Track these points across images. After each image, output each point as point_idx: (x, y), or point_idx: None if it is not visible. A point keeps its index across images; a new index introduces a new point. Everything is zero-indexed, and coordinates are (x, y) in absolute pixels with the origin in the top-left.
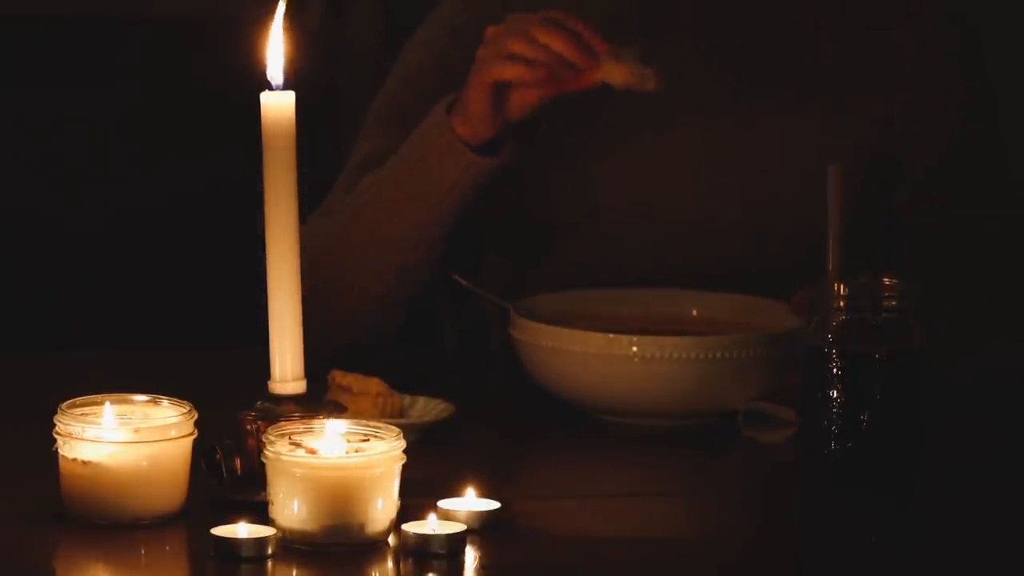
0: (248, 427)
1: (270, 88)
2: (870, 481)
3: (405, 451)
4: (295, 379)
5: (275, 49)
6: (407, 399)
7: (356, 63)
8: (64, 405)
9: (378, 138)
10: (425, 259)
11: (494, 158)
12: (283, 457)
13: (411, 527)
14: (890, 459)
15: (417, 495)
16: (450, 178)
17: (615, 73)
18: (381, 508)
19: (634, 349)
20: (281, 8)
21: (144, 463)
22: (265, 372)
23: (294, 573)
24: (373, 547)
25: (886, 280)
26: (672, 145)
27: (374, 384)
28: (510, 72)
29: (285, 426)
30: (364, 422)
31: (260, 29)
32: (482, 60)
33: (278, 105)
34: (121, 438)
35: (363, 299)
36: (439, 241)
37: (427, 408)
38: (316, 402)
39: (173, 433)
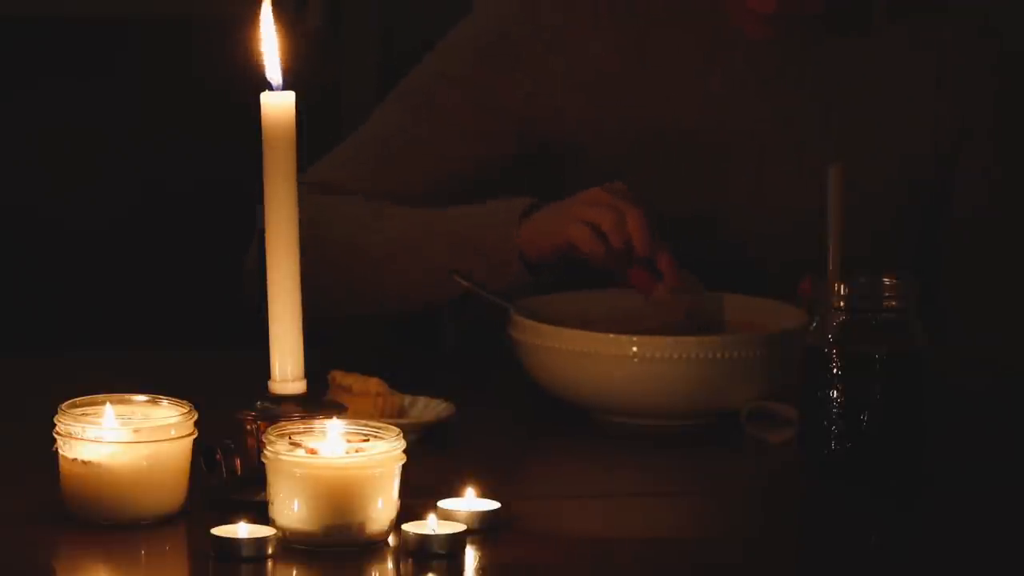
0: (248, 427)
1: (270, 88)
2: (870, 481)
3: (405, 451)
4: (295, 379)
5: (273, 49)
6: (407, 399)
7: (356, 64)
8: (64, 405)
9: (399, 116)
10: (443, 303)
11: (534, 276)
12: (283, 457)
13: (411, 527)
14: (890, 459)
15: (417, 495)
16: (496, 278)
17: (663, 296)
18: (381, 508)
19: (634, 349)
20: (267, 8)
21: (144, 463)
22: (265, 372)
23: (294, 573)
24: (373, 547)
25: (886, 280)
26: (681, 152)
27: (374, 384)
28: (588, 248)
29: (285, 426)
30: (364, 422)
31: (260, 29)
32: (571, 218)
33: (278, 105)
34: (121, 438)
35: (373, 308)
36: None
37: (427, 408)
38: (316, 402)
39: (173, 433)
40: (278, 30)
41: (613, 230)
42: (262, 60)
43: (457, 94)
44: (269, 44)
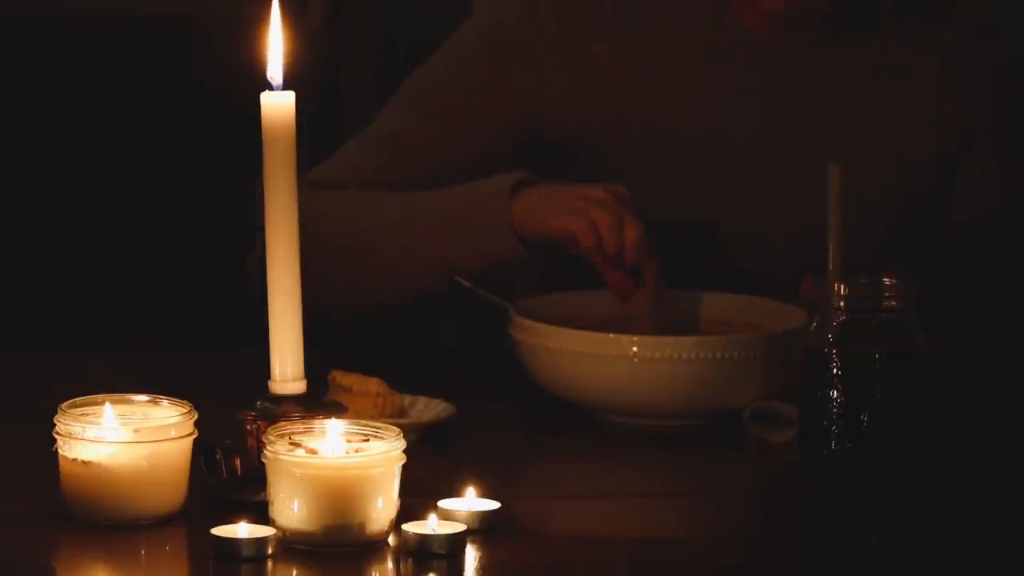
0: (248, 427)
1: (270, 88)
2: (870, 481)
3: (405, 451)
4: (295, 379)
5: (275, 49)
6: (407, 399)
7: (356, 64)
8: (64, 405)
9: (403, 115)
10: (436, 290)
11: (528, 249)
12: (283, 457)
13: (411, 527)
14: (890, 459)
15: (417, 495)
16: (488, 251)
17: (640, 305)
18: (381, 508)
19: (634, 349)
20: (276, 9)
21: (144, 463)
22: (265, 372)
23: (294, 573)
24: (373, 547)
25: (886, 280)
26: (686, 157)
27: (374, 384)
28: (584, 241)
29: (285, 426)
30: (364, 422)
31: (260, 29)
32: (574, 210)
33: (278, 105)
34: (121, 438)
35: (370, 299)
36: (449, 282)
37: (427, 408)
38: (316, 402)
39: (173, 433)
40: (285, 30)
41: (610, 234)
42: (263, 60)
43: (459, 94)
44: (275, 44)
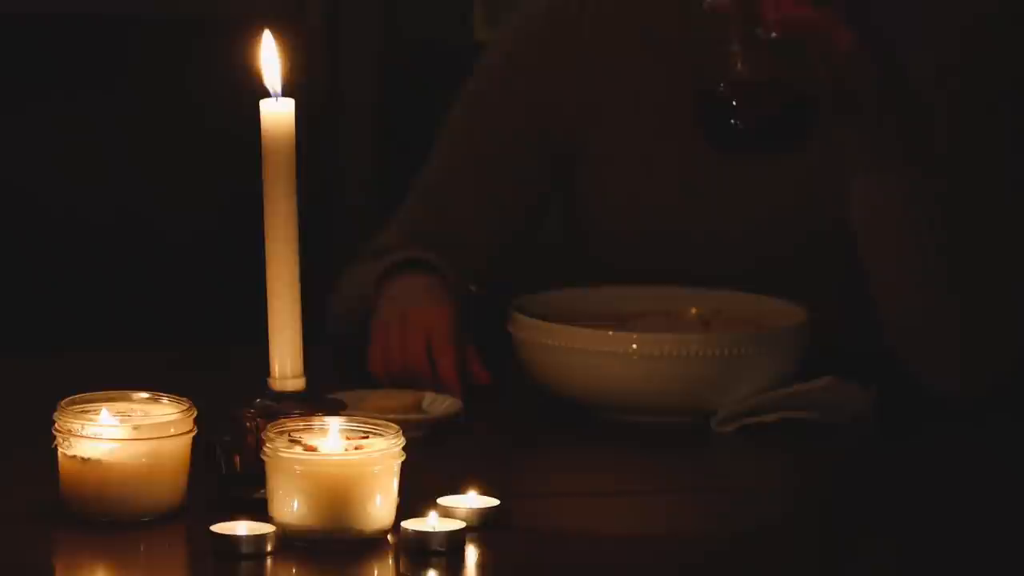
0: (248, 424)
1: (269, 96)
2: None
3: (405, 448)
4: (294, 376)
5: (272, 59)
6: (425, 396)
7: (356, 64)
8: (64, 402)
9: (438, 169)
10: None
11: None
12: (282, 454)
13: (411, 524)
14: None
15: (417, 492)
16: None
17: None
18: (380, 505)
19: (635, 347)
20: (268, 35)
21: (144, 460)
22: (265, 369)
23: (293, 570)
24: (373, 544)
25: None
26: (681, 168)
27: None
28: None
29: (284, 423)
30: (363, 419)
31: (260, 30)
32: (384, 347)
33: (277, 113)
34: (121, 435)
35: None
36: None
37: (435, 402)
38: (315, 399)
39: (172, 430)
40: (278, 39)
41: (398, 355)
42: (263, 68)
43: (486, 129)
44: (271, 55)
